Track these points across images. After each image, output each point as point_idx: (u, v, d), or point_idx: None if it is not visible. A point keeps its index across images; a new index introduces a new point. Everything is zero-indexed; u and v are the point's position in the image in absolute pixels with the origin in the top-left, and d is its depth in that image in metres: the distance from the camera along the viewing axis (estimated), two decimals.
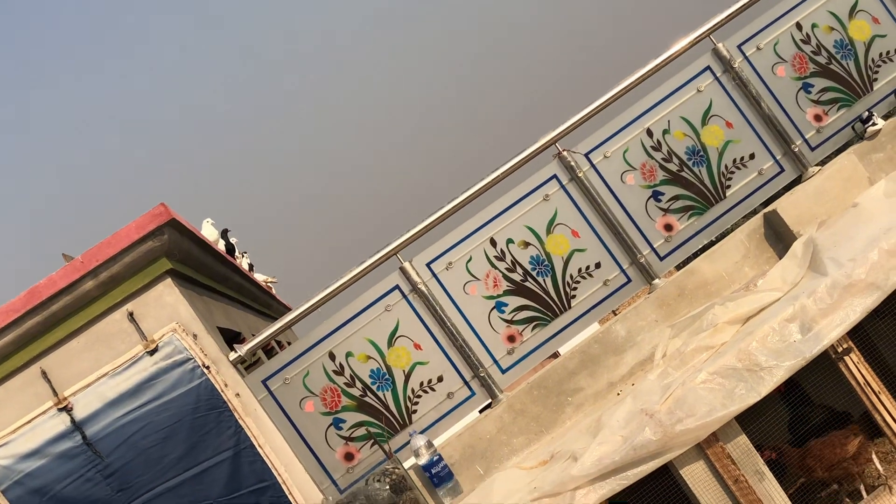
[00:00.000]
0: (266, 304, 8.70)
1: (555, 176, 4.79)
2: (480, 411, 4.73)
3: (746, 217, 4.96)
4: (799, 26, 5.03)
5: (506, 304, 4.69)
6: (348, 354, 4.59)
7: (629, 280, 4.76)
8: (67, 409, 4.27)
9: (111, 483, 4.26)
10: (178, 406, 4.30)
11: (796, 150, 4.90)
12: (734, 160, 4.89)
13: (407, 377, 4.61)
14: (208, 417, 4.32)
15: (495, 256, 4.71)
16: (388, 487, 4.16)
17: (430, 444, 4.35)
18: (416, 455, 4.33)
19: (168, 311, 4.38)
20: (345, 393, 4.57)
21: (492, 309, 4.68)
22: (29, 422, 4.27)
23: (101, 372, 4.30)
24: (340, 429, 4.56)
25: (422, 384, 4.61)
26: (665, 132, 4.86)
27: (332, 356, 4.58)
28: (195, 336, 4.36)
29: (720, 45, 4.93)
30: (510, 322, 4.68)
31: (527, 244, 4.73)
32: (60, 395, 4.27)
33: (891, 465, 4.16)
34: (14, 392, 4.30)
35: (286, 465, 4.39)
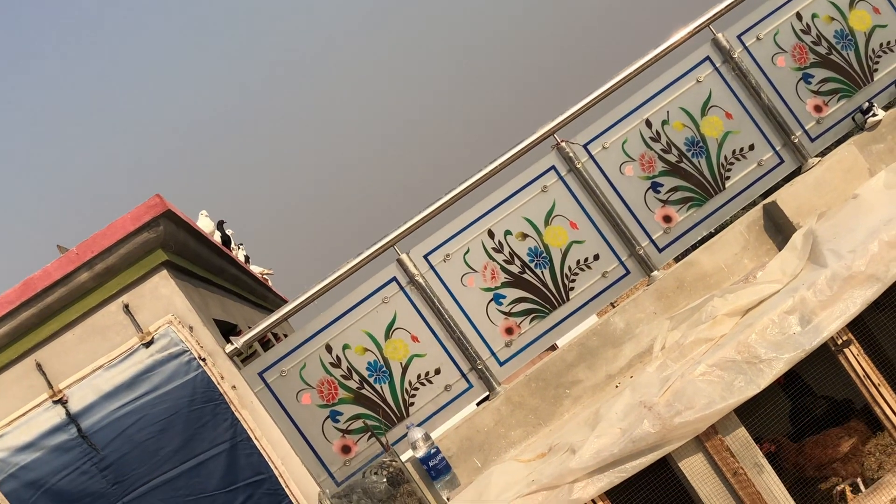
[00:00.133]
0: (262, 296, 8.67)
1: (553, 167, 4.77)
2: (478, 404, 4.71)
3: (746, 208, 4.94)
4: (799, 16, 5.00)
5: (504, 296, 4.67)
6: (345, 347, 4.57)
7: (628, 272, 4.74)
8: (62, 402, 4.25)
9: (107, 476, 4.24)
10: (174, 399, 4.28)
11: (796, 140, 4.88)
12: (733, 151, 4.87)
13: (404, 369, 4.59)
14: (204, 410, 4.30)
15: (493, 248, 4.69)
16: (385, 480, 4.15)
17: (427, 437, 4.33)
18: (414, 448, 4.31)
19: (164, 303, 4.36)
20: (342, 385, 4.55)
21: (489, 301, 4.66)
22: (24, 414, 4.25)
23: (96, 364, 4.27)
24: (337, 421, 4.54)
25: (419, 376, 4.59)
26: (664, 123, 4.84)
27: (328, 348, 4.56)
28: (191, 328, 4.34)
29: (720, 35, 4.90)
30: (508, 314, 4.66)
31: (525, 236, 4.71)
32: (55, 388, 4.25)
33: (890, 458, 4.15)
34: (8, 385, 4.28)
35: (283, 457, 4.37)
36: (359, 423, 4.55)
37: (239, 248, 8.64)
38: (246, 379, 4.45)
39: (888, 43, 5.07)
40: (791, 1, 5.00)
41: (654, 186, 4.81)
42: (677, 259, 4.92)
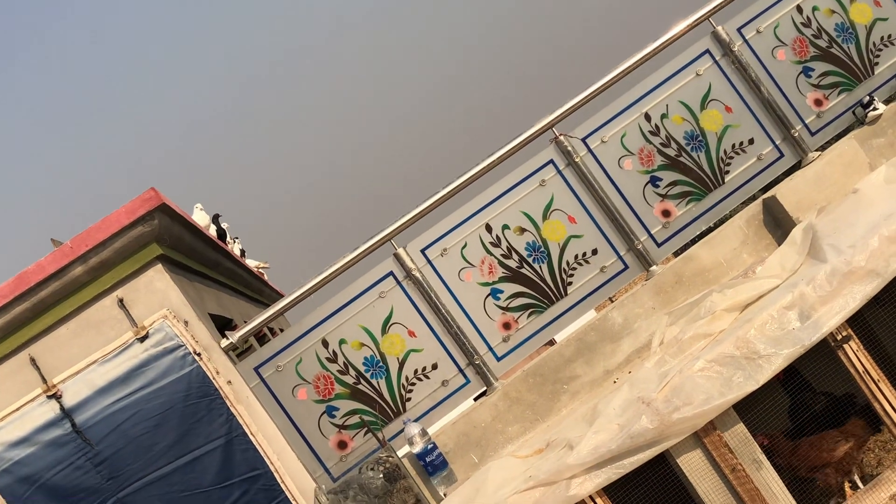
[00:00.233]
0: (258, 291, 8.65)
1: (551, 161, 4.74)
2: (475, 399, 4.69)
3: (745, 203, 4.90)
4: (800, 9, 4.96)
5: (501, 291, 4.64)
6: (342, 342, 4.54)
7: (626, 267, 4.72)
8: (57, 397, 4.22)
9: (101, 471, 4.22)
10: (169, 393, 4.26)
11: (796, 135, 4.85)
12: (733, 145, 4.84)
13: (401, 365, 4.56)
14: (200, 405, 4.27)
15: (491, 243, 4.66)
16: (381, 476, 4.13)
17: (424, 433, 4.31)
18: (411, 443, 4.29)
19: (159, 298, 4.33)
20: (338, 380, 4.53)
21: (487, 296, 4.63)
22: (17, 409, 4.22)
23: (90, 359, 4.25)
24: (333, 417, 4.52)
25: (416, 372, 4.57)
26: (663, 116, 4.80)
27: (325, 343, 4.54)
28: (186, 323, 4.32)
29: (720, 29, 4.87)
30: (506, 309, 4.64)
31: (523, 230, 4.68)
32: (49, 383, 4.22)
33: (889, 455, 4.13)
34: (2, 379, 4.25)
35: (278, 453, 4.35)
36: (355, 419, 4.52)
37: (234, 241, 8.62)
38: (241, 374, 4.43)
39: (889, 36, 5.04)
40: None
41: (653, 180, 4.78)
42: (676, 254, 4.89)
